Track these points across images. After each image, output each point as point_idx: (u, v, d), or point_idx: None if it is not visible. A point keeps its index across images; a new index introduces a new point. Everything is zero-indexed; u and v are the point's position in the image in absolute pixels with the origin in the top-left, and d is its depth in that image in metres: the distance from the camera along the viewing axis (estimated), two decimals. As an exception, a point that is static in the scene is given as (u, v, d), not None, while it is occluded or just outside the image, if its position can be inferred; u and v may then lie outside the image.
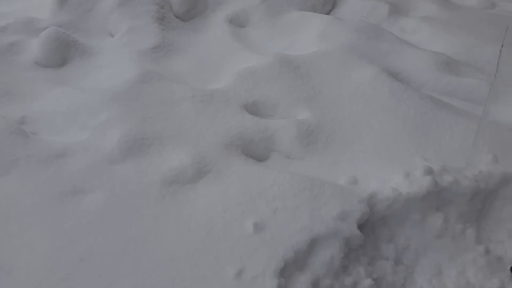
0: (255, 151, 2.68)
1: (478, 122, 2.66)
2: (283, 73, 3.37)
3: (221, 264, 1.82)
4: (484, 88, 3.66)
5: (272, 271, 1.79)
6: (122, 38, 3.82)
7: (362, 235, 2.08)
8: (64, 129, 2.58)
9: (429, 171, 2.34)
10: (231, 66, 3.60)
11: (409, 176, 2.41)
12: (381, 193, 2.29)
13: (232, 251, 1.88)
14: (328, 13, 4.60)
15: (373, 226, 2.27)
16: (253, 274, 1.77)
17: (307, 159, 2.65)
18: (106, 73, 3.33)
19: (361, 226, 2.16)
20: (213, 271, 1.78)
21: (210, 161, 2.37)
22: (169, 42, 3.92)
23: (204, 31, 4.33)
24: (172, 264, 1.78)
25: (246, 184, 2.24)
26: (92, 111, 2.67)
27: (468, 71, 4.13)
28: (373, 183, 2.39)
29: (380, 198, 2.26)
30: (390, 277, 2.10)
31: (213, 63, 3.73)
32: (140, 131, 2.48)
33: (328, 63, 3.59)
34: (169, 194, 2.12)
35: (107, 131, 2.46)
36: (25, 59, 3.38)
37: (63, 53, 3.48)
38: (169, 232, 1.93)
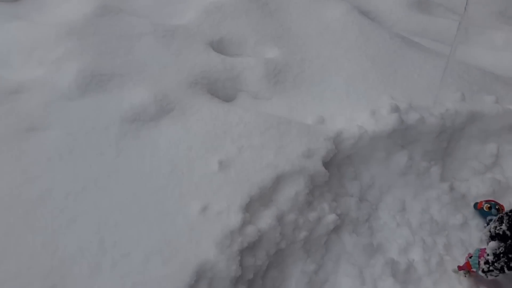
0: (221, 91, 2.63)
1: (446, 61, 2.69)
2: (251, 10, 3.25)
3: (185, 200, 1.82)
4: (454, 28, 3.67)
5: (237, 207, 1.81)
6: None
7: (327, 172, 2.13)
8: (19, 65, 2.43)
9: (395, 109, 2.37)
10: (195, 0, 3.42)
11: (375, 114, 2.44)
12: (347, 131, 2.31)
13: (196, 188, 1.88)
14: None
15: (338, 164, 2.31)
16: (218, 210, 1.79)
17: (275, 99, 2.62)
18: (63, 7, 3.10)
19: (326, 164, 2.20)
20: (177, 207, 1.79)
21: (173, 99, 2.31)
22: (129, -25, 3.66)
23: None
24: (135, 201, 1.77)
25: (210, 122, 2.21)
26: (48, 47, 2.51)
27: (439, 10, 4.12)
28: (339, 122, 2.41)
29: (346, 136, 2.29)
30: (354, 213, 2.18)
31: (175, -2, 3.52)
32: (98, 67, 2.36)
33: (298, -1, 3.48)
34: (130, 132, 2.07)
35: (63, 67, 2.34)
36: (-27, -8, 3.09)
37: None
38: (132, 170, 1.90)
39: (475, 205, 2.39)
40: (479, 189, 2.42)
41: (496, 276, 1.91)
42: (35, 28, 2.71)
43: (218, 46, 2.93)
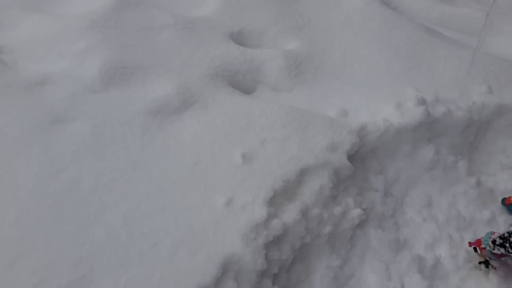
0: (242, 83, 2.63)
1: (473, 52, 2.65)
2: (270, 1, 3.24)
3: (210, 193, 1.84)
4: (479, 18, 3.61)
5: (262, 200, 1.82)
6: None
7: (351, 166, 2.12)
8: (43, 58, 2.46)
9: (421, 102, 2.35)
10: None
11: (401, 106, 2.42)
12: (371, 124, 2.30)
13: (220, 181, 1.90)
14: None
15: (363, 158, 2.31)
16: (243, 203, 1.81)
17: (296, 91, 2.62)
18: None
19: (350, 158, 2.20)
20: (203, 200, 1.81)
21: (195, 91, 2.32)
22: (146, -35, 3.68)
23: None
24: (161, 193, 1.80)
25: (233, 115, 2.22)
26: (70, 39, 2.55)
27: (463, 0, 4.05)
28: (363, 114, 2.40)
29: (371, 129, 2.28)
30: (379, 207, 2.17)
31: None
32: (121, 60, 2.39)
33: (318, -11, 3.46)
34: (154, 124, 2.09)
35: (86, 60, 2.37)
36: (-7, -16, 3.14)
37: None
38: (157, 162, 1.93)
39: (503, 200, 2.36)
40: (507, 184, 2.39)
41: (503, 252, 1.89)
42: (56, 21, 2.74)
43: (238, 38, 2.94)
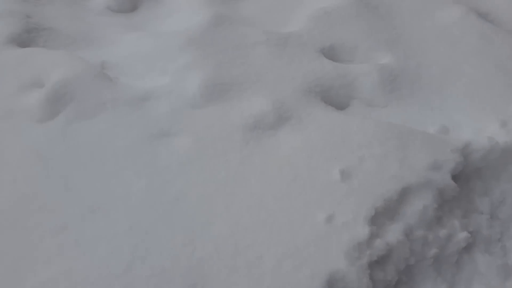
0: (335, 98, 2.64)
1: None
2: (361, 14, 3.24)
3: (310, 209, 1.87)
4: None
5: (363, 218, 1.82)
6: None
7: (456, 186, 2.05)
8: (144, 73, 2.66)
9: (532, 120, 2.21)
10: (304, 6, 3.50)
11: (507, 124, 2.30)
12: (476, 142, 2.21)
13: (320, 197, 1.92)
14: None
15: (467, 178, 2.21)
16: (344, 220, 1.81)
17: (391, 107, 2.58)
18: (177, 16, 3.37)
19: (454, 178, 2.12)
20: (303, 215, 1.84)
21: (290, 107, 2.38)
22: (236, -16, 3.87)
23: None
24: (262, 207, 1.85)
25: (329, 131, 2.24)
26: (170, 56, 2.73)
27: None
28: (466, 132, 2.31)
29: (475, 147, 2.19)
30: (486, 231, 2.07)
31: (284, 3, 3.64)
32: (219, 76, 2.52)
33: (410, 1, 3.40)
34: (252, 140, 2.17)
35: (187, 76, 2.52)
36: (96, 4, 3.47)
37: (133, -2, 3.55)
38: (256, 177, 1.99)
39: None
40: None
41: None
42: (155, 38, 2.96)
43: (330, 53, 2.96)
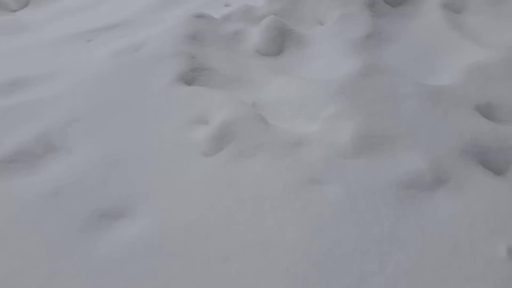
0: (492, 162, 2.49)
1: None
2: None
3: (471, 286, 1.76)
4: None
5: (535, 306, 1.66)
6: (334, 26, 3.95)
7: None
8: (292, 117, 2.80)
9: None
10: (452, 58, 3.42)
11: None
12: None
13: (483, 274, 1.80)
14: None
15: None
16: (512, 304, 1.67)
17: (560, 179, 2.35)
18: (322, 62, 3.50)
19: None
20: (465, 290, 1.74)
21: (447, 168, 2.30)
22: (380, 30, 3.93)
23: (416, 17, 4.22)
24: (420, 274, 1.80)
25: (492, 201, 2.11)
26: (319, 103, 2.83)
27: None
28: None
29: None
30: None
31: (430, 53, 3.60)
32: (370, 128, 2.54)
33: None
34: (407, 199, 2.13)
35: (337, 125, 2.59)
36: (247, 48, 3.77)
37: (280, 41, 3.78)
38: (411, 240, 1.95)
39: None
40: None
41: None
42: (305, 84, 3.09)
43: (486, 111, 2.82)
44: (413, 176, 2.22)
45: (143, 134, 2.55)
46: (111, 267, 1.90)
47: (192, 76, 3.16)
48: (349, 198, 2.15)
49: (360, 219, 2.05)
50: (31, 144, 2.56)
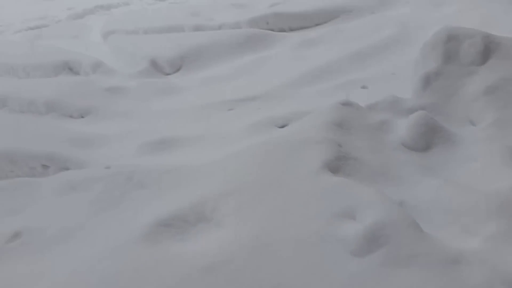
0: None
1: None
2: None
3: None
4: None
5: None
6: (487, 129, 3.74)
7: None
8: (447, 227, 2.63)
9: None
10: None
11: None
12: None
13: None
14: None
15: None
16: None
17: None
18: (475, 167, 3.29)
19: None
20: None
21: None
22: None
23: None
24: None
25: None
26: (477, 216, 2.63)
27: None
28: None
29: None
30: None
31: None
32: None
33: None
34: None
35: (501, 247, 2.36)
36: (393, 139, 3.71)
37: (428, 138, 3.66)
38: None
39: None
40: None
41: None
42: (459, 190, 2.91)
43: None
44: None
45: (291, 220, 2.58)
46: None
47: (337, 164, 3.17)
48: None
49: None
50: (185, 211, 2.75)
